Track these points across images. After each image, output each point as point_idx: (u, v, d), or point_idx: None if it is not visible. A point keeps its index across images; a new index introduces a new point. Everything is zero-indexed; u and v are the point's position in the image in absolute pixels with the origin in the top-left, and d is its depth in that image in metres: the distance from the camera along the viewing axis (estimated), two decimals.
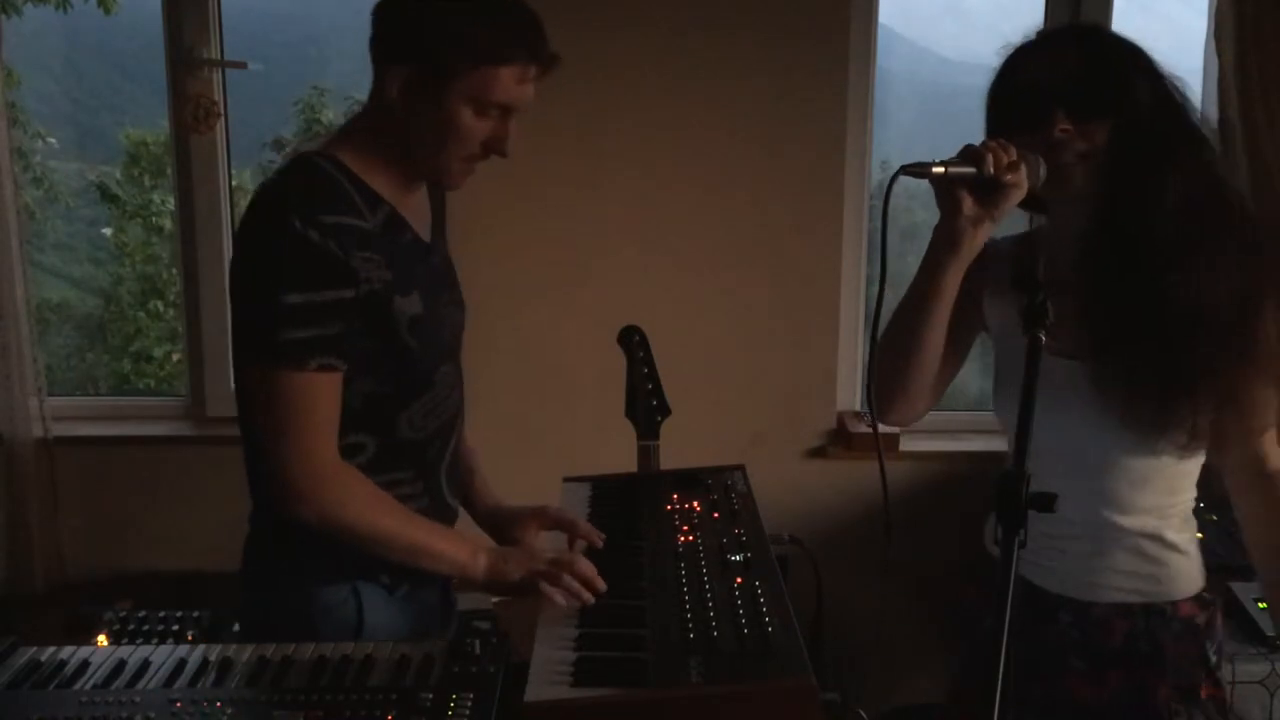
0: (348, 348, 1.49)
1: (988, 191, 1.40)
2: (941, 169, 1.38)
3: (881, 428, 3.15)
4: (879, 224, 3.26)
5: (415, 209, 1.63)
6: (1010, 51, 1.54)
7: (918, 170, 1.37)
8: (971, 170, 1.38)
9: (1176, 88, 1.52)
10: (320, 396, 1.48)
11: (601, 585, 1.53)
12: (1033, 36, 1.56)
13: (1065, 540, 1.57)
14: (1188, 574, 1.60)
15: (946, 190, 1.42)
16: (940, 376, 1.60)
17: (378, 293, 1.50)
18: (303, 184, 1.49)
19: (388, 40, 1.51)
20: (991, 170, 1.37)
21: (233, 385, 1.62)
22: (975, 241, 1.44)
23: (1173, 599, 1.58)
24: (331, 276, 1.45)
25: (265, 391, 1.47)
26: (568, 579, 1.53)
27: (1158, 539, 1.57)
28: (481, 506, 1.86)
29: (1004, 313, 1.60)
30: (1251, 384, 1.49)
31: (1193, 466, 1.58)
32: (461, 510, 1.81)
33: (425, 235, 1.65)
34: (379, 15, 1.53)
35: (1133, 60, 1.51)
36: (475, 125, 1.51)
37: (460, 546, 1.59)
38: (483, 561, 1.57)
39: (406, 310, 1.54)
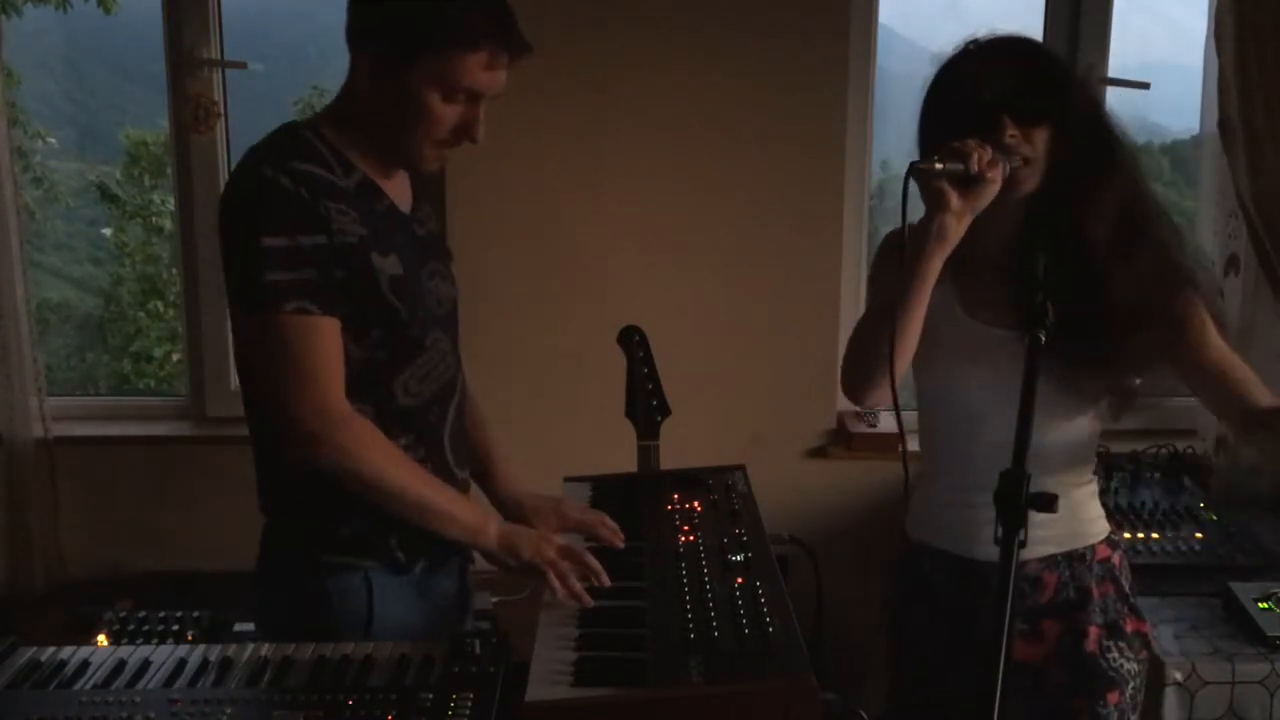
0: (327, 296, 1.51)
1: (968, 186, 1.52)
2: (941, 165, 1.50)
3: (881, 427, 3.17)
4: (879, 225, 3.27)
5: (394, 185, 1.66)
6: (946, 61, 1.65)
7: (924, 167, 1.51)
8: (960, 167, 1.51)
9: (1099, 95, 1.73)
10: (311, 340, 1.51)
11: (607, 581, 1.55)
12: (968, 46, 1.65)
13: (992, 509, 1.62)
14: (1097, 519, 1.77)
15: (932, 186, 1.53)
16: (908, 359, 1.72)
17: (353, 245, 1.53)
18: (279, 140, 1.57)
19: (359, 25, 1.56)
20: (976, 167, 1.50)
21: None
22: (959, 232, 1.55)
23: (1090, 543, 1.74)
24: (303, 221, 1.49)
25: (255, 339, 1.52)
26: (574, 581, 1.54)
27: (1077, 493, 1.73)
28: (502, 490, 1.86)
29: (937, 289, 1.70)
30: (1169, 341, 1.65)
31: (1098, 426, 1.76)
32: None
33: (405, 207, 1.68)
34: (353, 1, 1.57)
35: (1065, 71, 1.67)
36: (443, 110, 1.54)
37: (473, 512, 1.60)
38: (494, 530, 1.59)
39: (386, 269, 1.57)
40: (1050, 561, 1.71)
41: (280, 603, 1.65)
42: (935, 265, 1.56)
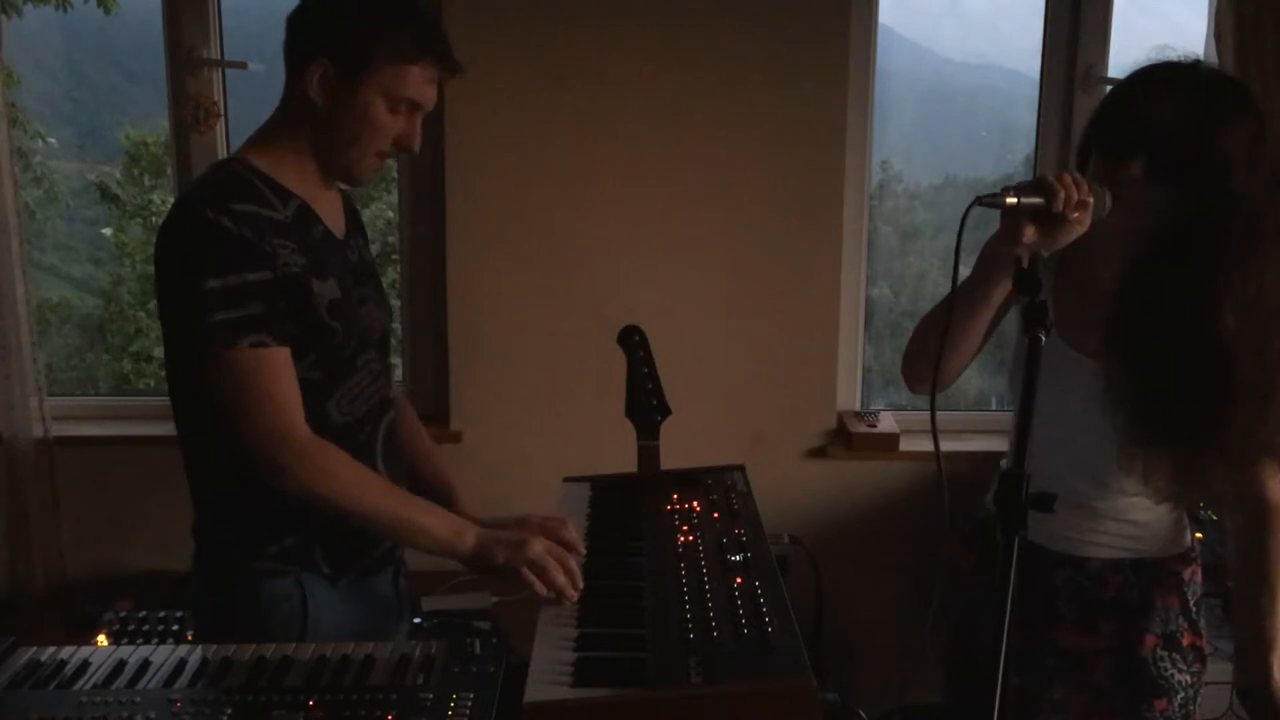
0: (277, 327, 1.54)
1: (1050, 222, 1.41)
2: (1015, 200, 1.38)
3: (881, 427, 3.16)
4: (879, 225, 3.27)
5: (327, 207, 1.70)
6: (1149, 64, 1.54)
7: (991, 201, 1.38)
8: (1040, 202, 1.39)
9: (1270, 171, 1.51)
10: (269, 372, 1.53)
11: (579, 586, 1.53)
12: (1180, 61, 1.54)
13: (1067, 509, 1.58)
14: (1177, 535, 1.73)
15: (1012, 217, 1.43)
16: (970, 354, 1.68)
17: (295, 275, 1.56)
18: (214, 182, 1.59)
19: (309, 38, 1.60)
20: (1060, 208, 1.38)
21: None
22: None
23: (1160, 556, 1.71)
24: (247, 260, 1.52)
25: (214, 377, 1.53)
26: (555, 576, 1.52)
27: (1139, 511, 1.69)
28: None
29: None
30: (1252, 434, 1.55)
31: None
32: None
33: (338, 233, 1.71)
34: (297, 19, 1.63)
35: (1238, 126, 1.48)
36: (387, 120, 1.61)
37: (447, 522, 1.60)
38: (470, 539, 1.58)
39: (325, 294, 1.60)
40: (1115, 565, 1.69)
41: (214, 609, 1.68)
42: (999, 288, 1.50)
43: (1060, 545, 1.70)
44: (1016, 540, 1.16)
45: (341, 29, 1.58)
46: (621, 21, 2.84)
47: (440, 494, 1.82)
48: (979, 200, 1.36)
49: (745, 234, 2.95)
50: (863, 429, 3.03)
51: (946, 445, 1.36)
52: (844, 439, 3.04)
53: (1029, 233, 1.41)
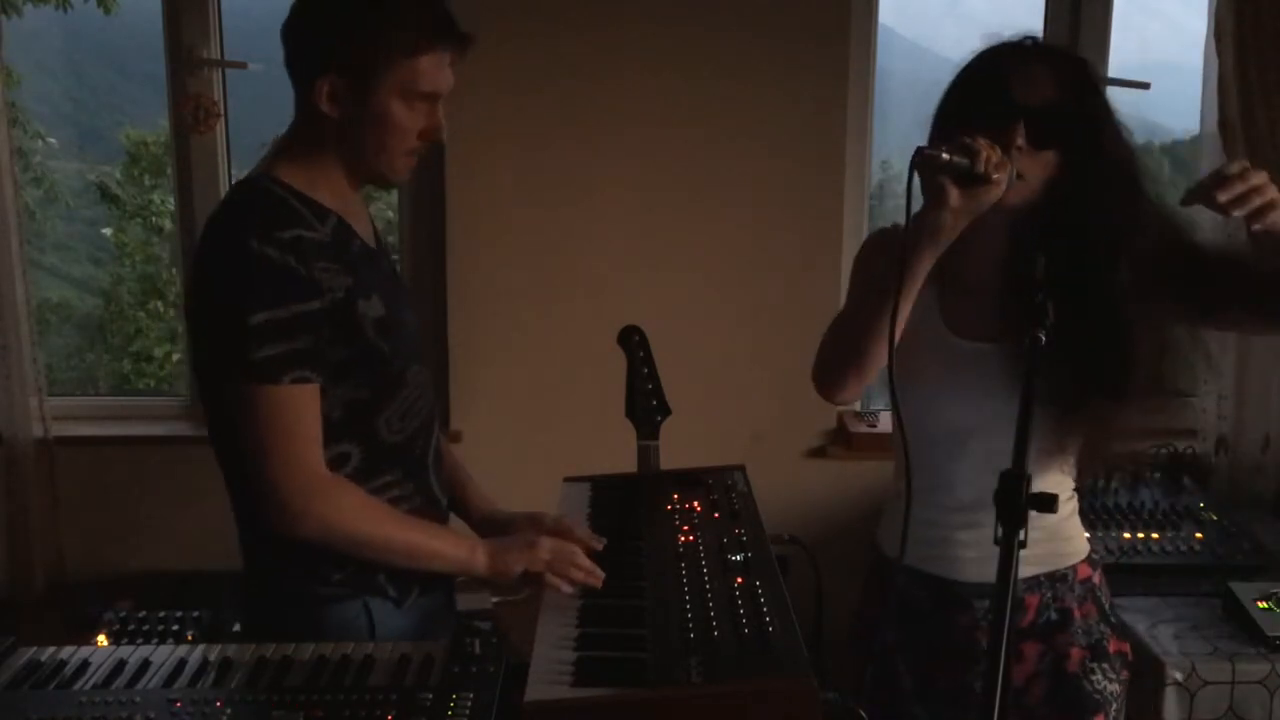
0: (320, 360, 1.50)
1: (971, 185, 1.44)
2: (948, 157, 1.41)
3: (881, 427, 3.16)
4: (879, 224, 3.26)
5: (358, 217, 1.65)
6: (990, 48, 1.58)
7: (931, 153, 1.41)
8: (965, 163, 1.42)
9: (1129, 133, 1.58)
10: (301, 410, 1.49)
11: (597, 544, 1.59)
12: (1024, 39, 1.59)
13: (973, 529, 1.64)
14: (1078, 538, 1.73)
15: (934, 180, 1.46)
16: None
17: (341, 300, 1.52)
18: (252, 205, 1.53)
19: (307, 55, 1.54)
20: (983, 167, 1.42)
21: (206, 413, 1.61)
22: (953, 231, 1.48)
23: (1072, 563, 1.70)
24: (296, 290, 1.47)
25: (246, 411, 1.48)
26: (575, 571, 1.55)
27: (1059, 512, 1.62)
28: (477, 513, 1.85)
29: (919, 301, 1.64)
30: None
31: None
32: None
33: (371, 242, 1.67)
34: (290, 34, 1.56)
35: (1104, 106, 1.57)
36: (408, 118, 1.54)
37: (458, 544, 1.61)
38: (482, 556, 1.59)
39: (370, 313, 1.55)
40: (1033, 583, 1.67)
41: (278, 630, 1.60)
42: (926, 263, 1.50)
43: (973, 573, 1.66)
44: (1015, 544, 1.15)
45: (339, 40, 1.50)
46: (622, 21, 2.84)
47: (460, 484, 1.84)
48: (920, 150, 1.40)
49: (745, 233, 2.95)
50: (863, 429, 3.03)
51: None
52: (844, 439, 3.04)
53: (953, 195, 1.44)
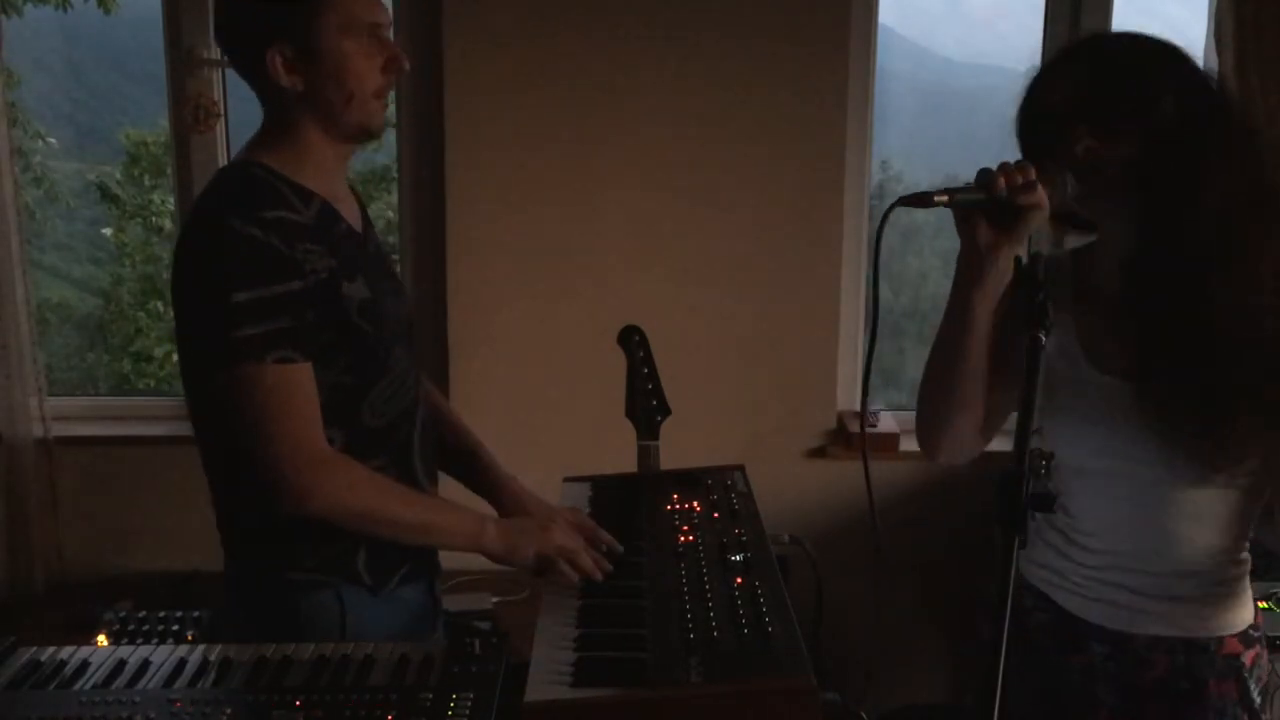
0: (304, 340, 1.50)
1: (1005, 216, 1.34)
2: (945, 197, 1.31)
3: (881, 427, 3.16)
4: (879, 227, 3.26)
5: (344, 201, 1.66)
6: (1033, 75, 1.49)
7: (917, 201, 1.31)
8: (980, 196, 1.33)
9: (1209, 80, 1.44)
10: (293, 388, 1.49)
11: (619, 548, 1.61)
12: (1054, 56, 1.52)
13: (1115, 571, 1.52)
14: (1236, 610, 1.52)
15: (963, 218, 1.37)
16: (995, 405, 1.52)
17: (325, 281, 1.53)
18: (236, 187, 1.55)
19: (246, 37, 1.56)
20: (1004, 193, 1.32)
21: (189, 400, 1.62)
22: (998, 268, 1.37)
23: (1218, 635, 1.50)
24: (278, 270, 1.48)
25: (240, 395, 1.48)
26: (586, 559, 1.56)
27: (1212, 577, 1.50)
28: (509, 492, 1.84)
29: (1059, 329, 1.48)
30: None
31: (1252, 505, 1.49)
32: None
33: (357, 226, 1.68)
34: (224, 28, 1.60)
35: (1154, 62, 1.43)
36: (362, 56, 1.56)
37: (466, 518, 1.60)
38: (491, 530, 1.59)
39: (354, 295, 1.57)
40: (1164, 644, 1.49)
41: (249, 624, 1.63)
42: (977, 307, 1.39)
43: (1105, 619, 1.52)
44: (1016, 544, 1.12)
45: (268, 7, 1.53)
46: (622, 22, 2.84)
47: (473, 455, 1.86)
48: (901, 200, 1.30)
49: (745, 233, 2.95)
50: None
51: None
52: (844, 439, 3.04)
53: (984, 232, 1.35)
